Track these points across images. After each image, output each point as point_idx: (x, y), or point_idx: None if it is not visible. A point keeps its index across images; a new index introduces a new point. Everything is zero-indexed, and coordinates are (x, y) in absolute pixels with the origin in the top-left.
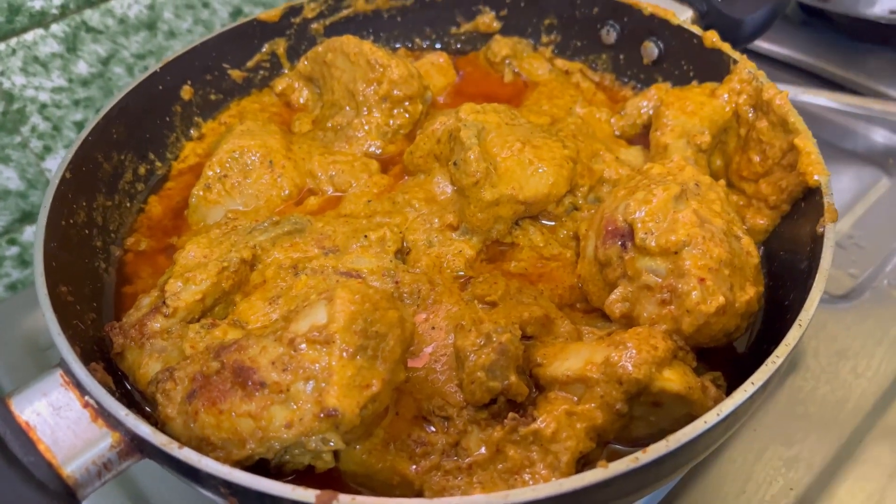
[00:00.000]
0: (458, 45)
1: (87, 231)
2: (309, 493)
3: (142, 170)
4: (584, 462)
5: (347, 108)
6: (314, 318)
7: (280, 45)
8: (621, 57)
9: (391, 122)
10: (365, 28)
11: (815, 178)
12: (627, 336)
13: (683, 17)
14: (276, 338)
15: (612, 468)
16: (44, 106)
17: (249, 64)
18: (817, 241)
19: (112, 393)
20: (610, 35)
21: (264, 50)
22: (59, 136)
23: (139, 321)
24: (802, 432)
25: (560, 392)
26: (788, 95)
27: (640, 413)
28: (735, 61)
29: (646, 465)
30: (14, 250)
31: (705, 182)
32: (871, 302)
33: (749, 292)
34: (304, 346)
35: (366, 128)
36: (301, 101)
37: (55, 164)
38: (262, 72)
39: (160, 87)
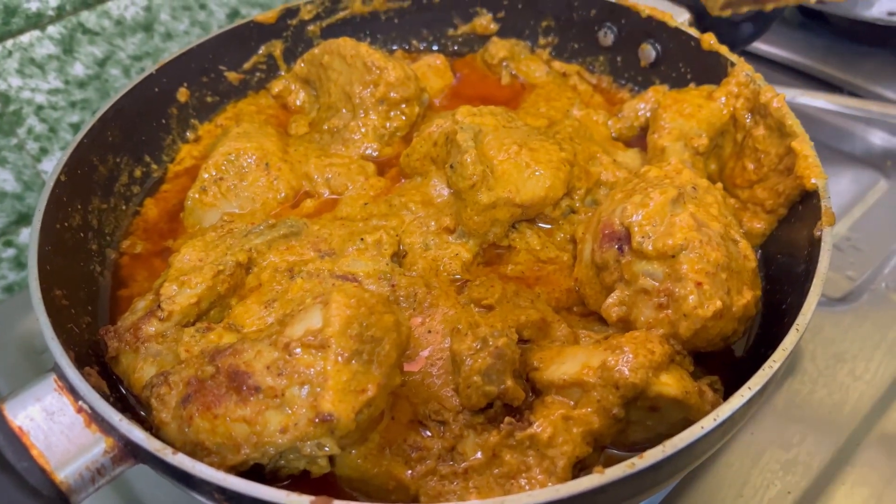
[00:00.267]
0: (455, 47)
1: (82, 234)
2: (304, 499)
3: (137, 172)
4: (580, 467)
5: (344, 110)
6: (309, 323)
7: (276, 47)
8: (619, 59)
9: (388, 124)
10: (362, 30)
11: (813, 181)
12: (624, 340)
13: (681, 19)
14: (271, 342)
15: (609, 474)
16: (40, 108)
17: (246, 66)
18: (814, 244)
19: (106, 398)
20: (607, 37)
21: (261, 52)
22: (55, 138)
23: (134, 325)
24: (800, 436)
25: (557, 396)
26: (786, 97)
27: (637, 418)
28: (732, 64)
29: (642, 470)
30: (10, 252)
31: (702, 185)
32: (869, 305)
33: (746, 296)
34: (299, 350)
35: (362, 130)
36: (298, 103)
37: (51, 166)
38: (258, 74)
39: (156, 90)
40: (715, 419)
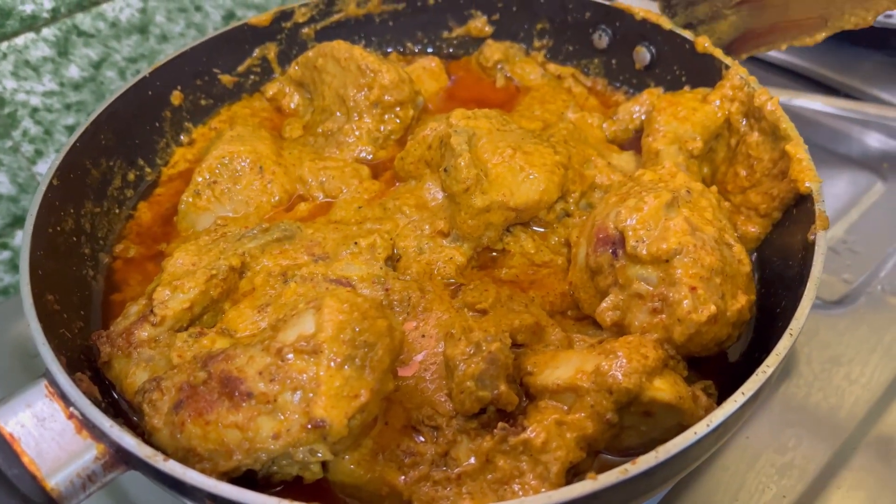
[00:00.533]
0: (450, 50)
1: (74, 238)
2: None
3: (131, 176)
4: (574, 472)
5: (338, 113)
6: (302, 328)
7: (271, 50)
8: (613, 62)
9: (382, 127)
10: (356, 32)
11: (807, 185)
12: (618, 345)
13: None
14: (264, 347)
15: (602, 480)
16: (35, 110)
17: (240, 69)
18: (809, 248)
19: (98, 403)
20: (602, 40)
21: (255, 55)
22: (50, 141)
23: (126, 330)
24: (796, 440)
25: (550, 401)
26: (783, 100)
27: (630, 423)
28: (727, 66)
29: (635, 476)
30: (5, 255)
31: (697, 189)
32: (866, 308)
33: (741, 301)
34: (291, 355)
35: (356, 133)
36: (292, 106)
37: (46, 169)
38: (252, 77)
39: (149, 93)
40: (708, 424)
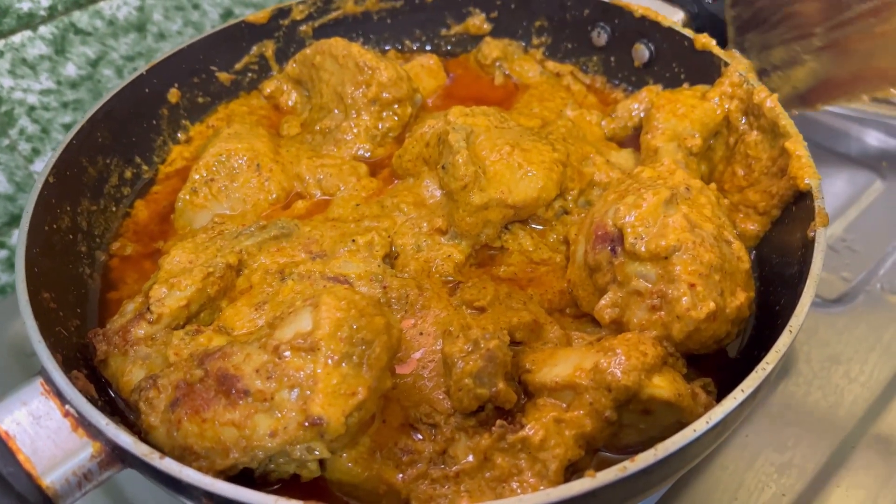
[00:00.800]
0: (449, 48)
1: (71, 236)
2: None
3: (128, 174)
4: (572, 470)
5: (336, 110)
6: (299, 325)
7: (268, 48)
8: (612, 59)
9: (380, 125)
10: (354, 30)
11: (806, 182)
12: (617, 342)
13: (674, 19)
14: (261, 345)
15: (600, 477)
16: (32, 108)
17: (237, 66)
18: (808, 245)
19: (94, 401)
20: (601, 37)
21: (252, 52)
22: (47, 139)
23: (123, 328)
24: (794, 438)
25: (549, 399)
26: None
27: (629, 420)
28: (726, 63)
29: (634, 474)
30: (3, 254)
31: (696, 186)
32: (865, 306)
33: (739, 298)
34: (288, 353)
35: (354, 131)
36: (290, 103)
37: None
38: (250, 74)
39: (146, 91)
40: (707, 422)
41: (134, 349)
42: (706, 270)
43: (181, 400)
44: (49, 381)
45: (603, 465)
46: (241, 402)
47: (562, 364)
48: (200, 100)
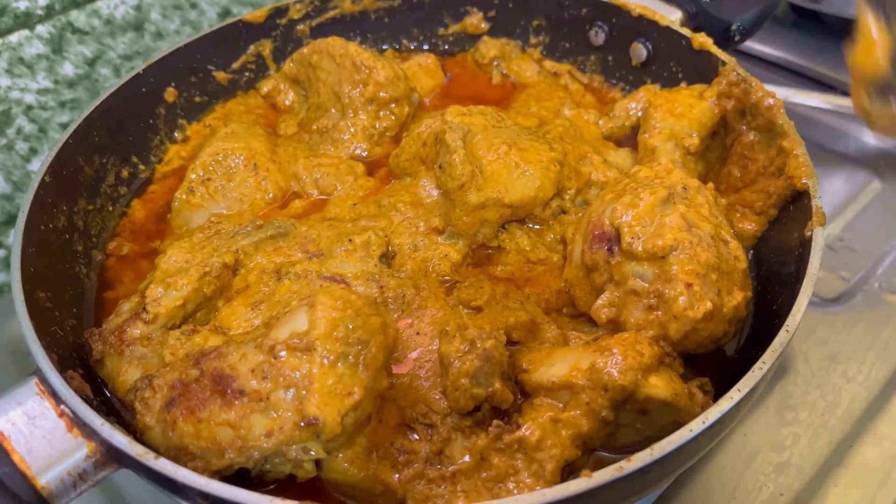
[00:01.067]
0: (446, 47)
1: (67, 235)
2: None
3: (125, 173)
4: (569, 470)
5: (333, 110)
6: (295, 325)
7: (266, 47)
8: (610, 58)
9: (377, 124)
10: (352, 29)
11: (803, 181)
12: (613, 342)
13: (672, 18)
14: (257, 345)
15: (596, 477)
16: (29, 108)
17: (235, 65)
18: (805, 245)
19: (90, 401)
20: (598, 36)
21: (250, 51)
22: (45, 138)
23: (119, 327)
24: (793, 438)
25: (546, 399)
26: (780, 97)
27: (626, 420)
28: (723, 63)
29: (630, 474)
30: (0, 253)
31: (693, 185)
32: (863, 305)
33: (737, 297)
34: (284, 353)
35: (351, 130)
36: (287, 103)
37: None
38: (247, 73)
39: (143, 90)
40: (703, 422)
41: (130, 349)
42: (703, 270)
43: (177, 400)
44: (44, 380)
45: (600, 464)
46: (236, 402)
47: (558, 364)
48: (197, 99)
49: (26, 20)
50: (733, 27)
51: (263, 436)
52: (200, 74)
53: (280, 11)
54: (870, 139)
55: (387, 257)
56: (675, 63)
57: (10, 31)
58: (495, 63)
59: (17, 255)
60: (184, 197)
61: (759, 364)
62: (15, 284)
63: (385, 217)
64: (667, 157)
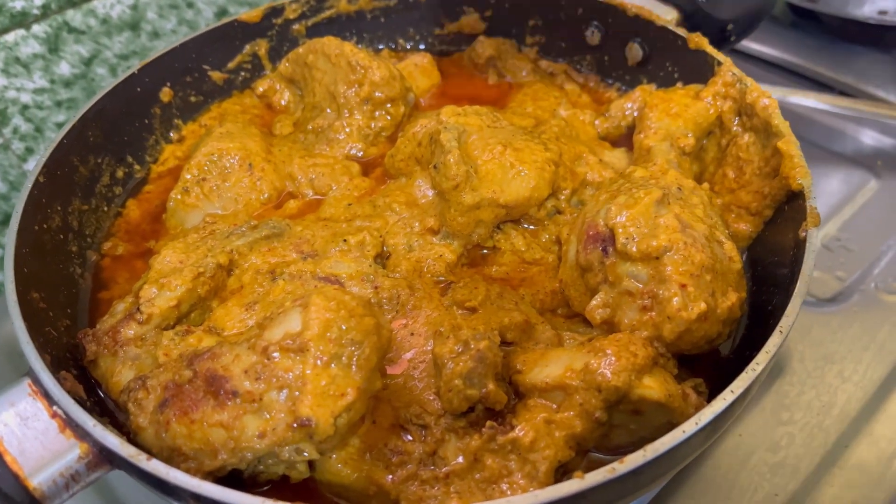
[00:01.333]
0: (442, 47)
1: (61, 236)
2: None
3: (120, 173)
4: (563, 471)
5: (329, 110)
6: (288, 326)
7: (261, 47)
8: (606, 58)
9: (373, 124)
10: (348, 29)
11: (798, 182)
12: (607, 343)
13: (668, 17)
14: (250, 346)
15: (589, 479)
16: (25, 107)
17: (230, 65)
18: (800, 246)
19: (83, 402)
20: (594, 36)
21: (245, 51)
22: (41, 138)
23: (113, 328)
24: (788, 438)
25: (539, 399)
26: (777, 97)
27: (620, 421)
28: (720, 63)
29: (623, 475)
30: None
31: (688, 186)
32: (859, 306)
33: (731, 298)
34: (277, 354)
35: (347, 130)
36: (282, 102)
37: None
38: (243, 73)
39: (138, 89)
40: (696, 423)
41: (124, 350)
42: (697, 271)
43: (170, 401)
44: (37, 381)
45: (593, 466)
46: (229, 403)
47: (552, 365)
48: (193, 99)
49: (22, 19)
50: (729, 27)
51: (256, 437)
52: (196, 74)
53: (276, 11)
54: (867, 139)
55: (381, 258)
56: (671, 63)
57: (6, 30)
58: (491, 63)
59: (11, 255)
60: (179, 197)
61: (752, 365)
62: (8, 285)
63: (380, 217)
64: (662, 157)
